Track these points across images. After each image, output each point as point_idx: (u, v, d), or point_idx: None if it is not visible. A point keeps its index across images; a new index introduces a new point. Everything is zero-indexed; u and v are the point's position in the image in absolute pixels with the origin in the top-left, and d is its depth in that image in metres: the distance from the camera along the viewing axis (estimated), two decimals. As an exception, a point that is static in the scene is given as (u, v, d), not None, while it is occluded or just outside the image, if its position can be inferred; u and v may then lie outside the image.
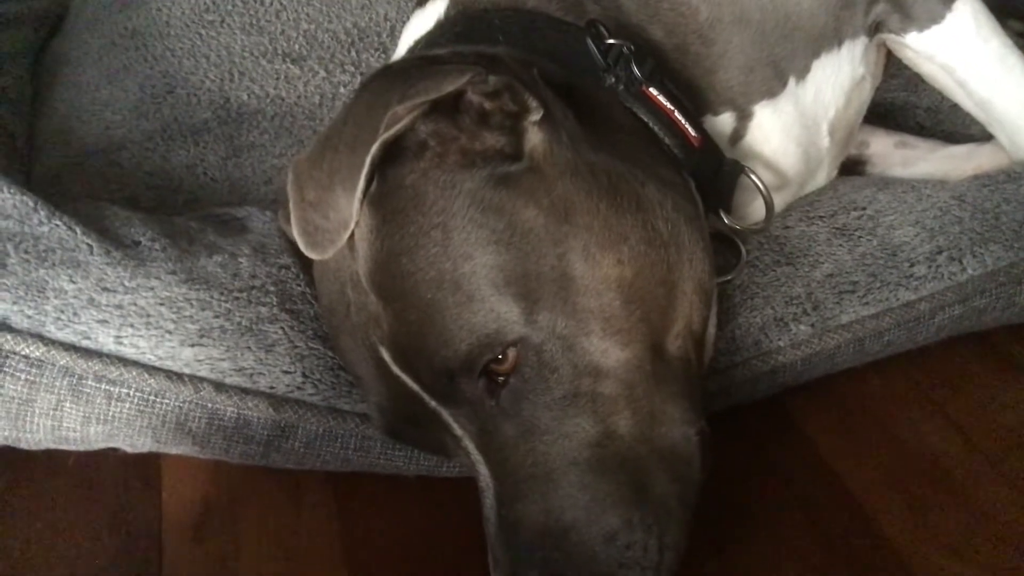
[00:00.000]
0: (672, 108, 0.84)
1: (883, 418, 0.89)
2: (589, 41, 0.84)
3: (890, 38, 1.01)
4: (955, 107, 1.09)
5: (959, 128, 1.15)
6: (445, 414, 0.70)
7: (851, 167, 1.12)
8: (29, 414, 0.79)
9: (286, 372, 0.81)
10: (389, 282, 0.68)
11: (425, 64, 0.71)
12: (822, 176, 1.03)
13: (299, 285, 0.87)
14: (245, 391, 0.80)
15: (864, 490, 0.82)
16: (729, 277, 0.90)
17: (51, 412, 0.79)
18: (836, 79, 0.98)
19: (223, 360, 0.80)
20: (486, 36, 0.84)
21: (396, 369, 0.69)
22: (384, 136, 0.66)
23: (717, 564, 0.77)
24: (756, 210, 0.95)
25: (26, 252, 0.80)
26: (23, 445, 0.82)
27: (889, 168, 1.12)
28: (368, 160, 0.66)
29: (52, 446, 0.83)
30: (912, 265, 0.92)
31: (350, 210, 0.67)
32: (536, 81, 0.73)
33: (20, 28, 1.32)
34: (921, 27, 0.99)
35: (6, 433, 0.80)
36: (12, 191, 0.84)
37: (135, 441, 0.82)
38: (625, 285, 0.69)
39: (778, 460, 0.86)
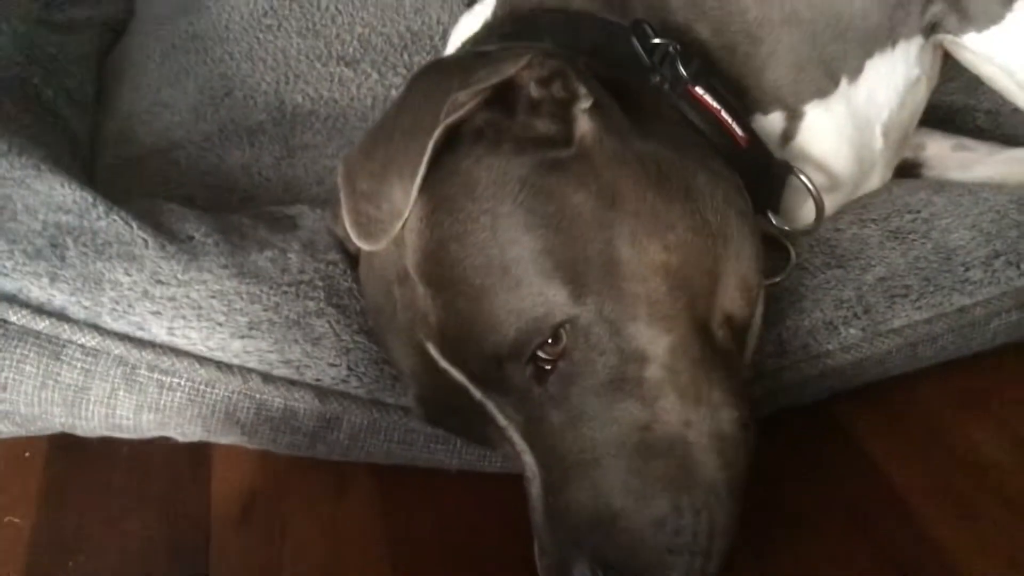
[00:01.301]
0: (718, 107, 0.84)
1: (935, 424, 0.87)
2: (635, 40, 0.85)
3: (947, 39, 0.99)
4: (1016, 111, 1.06)
5: (1020, 132, 1.12)
6: (490, 405, 0.70)
7: (907, 170, 1.10)
8: (84, 401, 0.81)
9: (332, 365, 0.82)
10: (438, 270, 0.69)
11: (478, 56, 0.72)
12: (876, 178, 1.02)
13: (346, 280, 0.88)
14: (292, 383, 0.82)
15: (914, 496, 0.81)
16: (778, 279, 0.89)
17: (105, 400, 0.81)
18: (890, 80, 0.96)
19: (271, 352, 0.81)
20: (533, 36, 0.85)
21: (443, 363, 0.70)
22: (446, 122, 0.67)
23: (759, 568, 0.76)
24: (807, 212, 0.93)
25: (84, 245, 0.83)
26: (79, 432, 0.85)
27: (946, 171, 1.10)
28: (430, 146, 0.67)
29: (106, 433, 0.85)
30: (967, 269, 0.90)
31: (406, 199, 0.68)
32: (585, 71, 0.74)
33: (87, 32, 1.36)
34: (979, 27, 0.96)
35: (63, 420, 0.83)
36: (73, 187, 0.87)
37: (186, 430, 0.84)
38: (672, 271, 0.69)
39: (824, 463, 0.85)
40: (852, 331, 0.87)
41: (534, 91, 0.70)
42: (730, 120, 0.84)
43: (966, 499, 0.80)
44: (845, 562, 0.76)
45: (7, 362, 0.79)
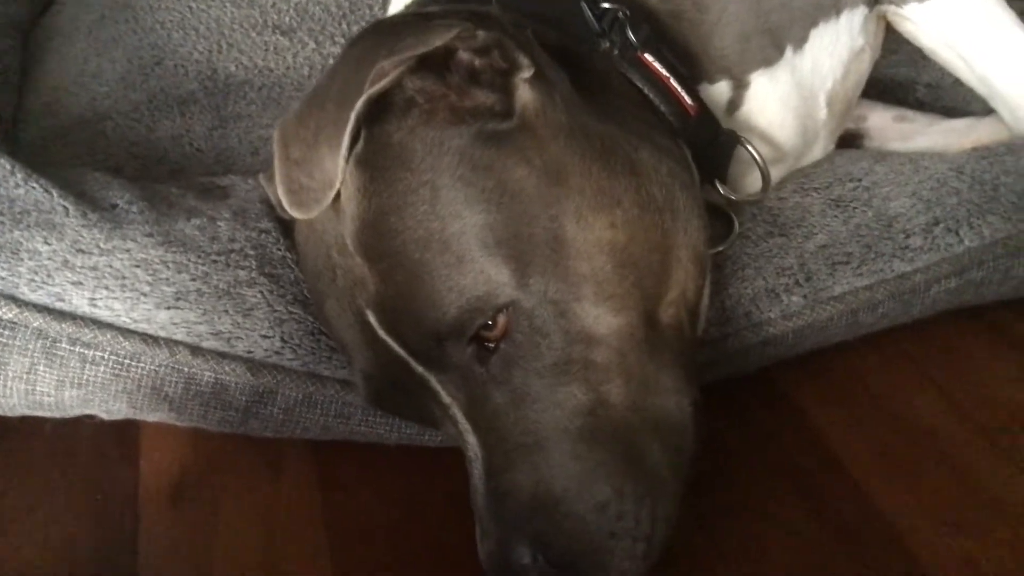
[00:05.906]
0: (667, 75, 0.83)
1: (876, 390, 0.88)
2: (584, 6, 0.83)
3: (890, 10, 1.00)
4: (956, 83, 1.08)
5: (959, 104, 1.13)
6: (433, 381, 0.68)
7: (849, 140, 1.10)
8: (2, 377, 0.77)
9: (264, 336, 0.79)
10: (376, 242, 0.67)
11: (415, 20, 0.70)
12: (819, 149, 1.02)
13: (279, 249, 0.85)
14: (222, 355, 0.79)
15: (856, 462, 0.81)
16: (720, 248, 0.88)
17: (24, 376, 0.78)
18: (834, 49, 0.96)
19: (200, 324, 0.78)
20: (480, 0, 0.83)
21: (382, 333, 0.68)
22: (369, 91, 0.65)
23: (705, 536, 0.75)
24: (751, 182, 0.93)
25: (1, 214, 0.79)
26: (-2, 410, 0.81)
27: (887, 142, 1.10)
28: (352, 116, 0.65)
29: (27, 412, 0.81)
30: (908, 236, 0.90)
31: (335, 169, 0.66)
32: (529, 40, 0.71)
33: (14, 2, 1.30)
34: (922, -2, 0.97)
35: (-21, 397, 0.79)
36: (-12, 154, 0.84)
37: (110, 407, 0.81)
38: (618, 249, 0.67)
39: (768, 432, 0.85)
40: (794, 299, 0.87)
41: (472, 60, 0.68)
42: (679, 88, 0.83)
43: (907, 464, 0.80)
44: (788, 528, 0.76)
45: (-83, 336, 0.76)
